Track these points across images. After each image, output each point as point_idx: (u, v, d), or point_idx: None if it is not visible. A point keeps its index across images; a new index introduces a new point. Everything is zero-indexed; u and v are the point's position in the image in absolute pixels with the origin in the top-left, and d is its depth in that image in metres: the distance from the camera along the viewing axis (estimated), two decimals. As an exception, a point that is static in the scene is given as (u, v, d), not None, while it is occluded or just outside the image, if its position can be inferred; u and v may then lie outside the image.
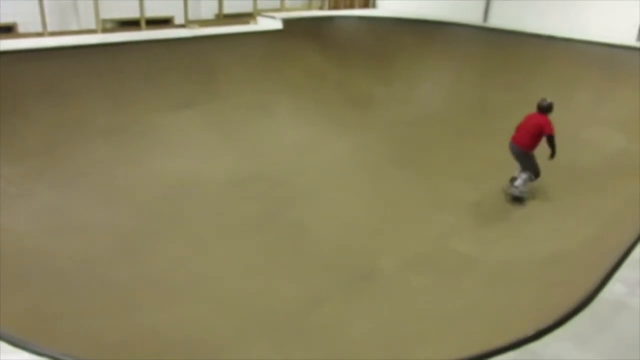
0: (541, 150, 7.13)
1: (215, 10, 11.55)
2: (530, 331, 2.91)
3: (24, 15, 9.07)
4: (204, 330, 4.49)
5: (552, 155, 7.06)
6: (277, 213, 6.79)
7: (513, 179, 7.42)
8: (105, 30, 9.55)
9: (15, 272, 4.69)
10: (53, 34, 8.88)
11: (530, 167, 7.23)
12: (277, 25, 10.60)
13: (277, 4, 12.26)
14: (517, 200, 7.26)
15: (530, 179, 7.27)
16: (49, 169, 6.64)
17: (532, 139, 7.10)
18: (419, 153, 8.87)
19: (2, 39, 8.09)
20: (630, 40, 9.40)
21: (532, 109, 7.21)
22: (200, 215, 6.58)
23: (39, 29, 8.79)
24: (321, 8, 13.46)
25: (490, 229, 6.61)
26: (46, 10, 8.79)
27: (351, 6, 13.60)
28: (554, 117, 7.07)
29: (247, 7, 11.68)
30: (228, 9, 11.40)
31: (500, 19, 11.27)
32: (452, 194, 7.52)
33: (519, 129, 7.30)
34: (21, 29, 9.26)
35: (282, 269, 5.64)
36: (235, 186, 7.33)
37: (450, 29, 11.13)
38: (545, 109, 7.11)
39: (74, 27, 9.80)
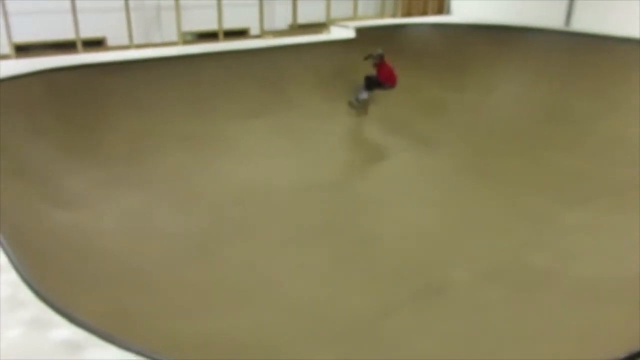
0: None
1: (290, 21, 11.80)
2: (621, 354, 2.69)
3: (112, 29, 9.72)
4: (273, 334, 4.53)
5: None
6: (346, 221, 6.76)
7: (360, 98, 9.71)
8: (185, 42, 10.02)
9: (97, 269, 4.96)
10: (138, 46, 9.44)
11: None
12: (349, 34, 10.65)
13: (350, 13, 12.34)
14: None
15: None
16: (130, 174, 7.00)
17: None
18: (493, 162, 8.54)
19: (93, 52, 8.71)
20: None
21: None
22: (269, 221, 6.67)
23: (126, 42, 9.38)
24: (394, 16, 13.38)
25: (571, 243, 6.19)
26: (133, 24, 9.37)
27: (424, 13, 13.41)
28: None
29: (320, 18, 11.84)
30: (302, 19, 11.61)
31: (584, 23, 10.67)
32: (528, 205, 7.16)
33: (392, 77, 9.40)
34: (110, 42, 9.93)
35: (350, 277, 5.60)
36: (304, 194, 7.39)
37: (529, 34, 10.66)
38: (382, 57, 9.34)
39: (157, 40, 10.37)
